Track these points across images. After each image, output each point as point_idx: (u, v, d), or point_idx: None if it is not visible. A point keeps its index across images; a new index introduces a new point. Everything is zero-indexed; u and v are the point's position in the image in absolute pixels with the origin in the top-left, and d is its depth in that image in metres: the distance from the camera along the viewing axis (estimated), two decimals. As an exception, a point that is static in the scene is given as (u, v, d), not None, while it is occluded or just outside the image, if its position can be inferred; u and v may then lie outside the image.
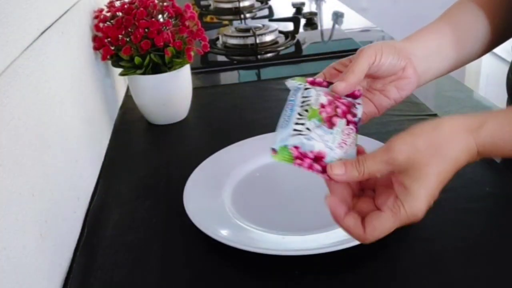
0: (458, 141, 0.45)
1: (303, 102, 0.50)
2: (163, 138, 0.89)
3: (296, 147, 0.46)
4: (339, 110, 0.49)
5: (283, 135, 0.47)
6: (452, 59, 0.62)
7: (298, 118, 0.48)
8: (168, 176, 0.76)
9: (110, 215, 0.67)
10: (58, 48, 0.67)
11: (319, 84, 0.53)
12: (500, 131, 0.46)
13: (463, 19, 0.64)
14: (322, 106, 0.49)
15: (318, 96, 0.50)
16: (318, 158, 0.46)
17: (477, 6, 0.65)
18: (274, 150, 0.47)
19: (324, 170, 0.46)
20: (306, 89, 0.51)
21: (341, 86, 0.51)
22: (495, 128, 0.46)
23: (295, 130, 0.47)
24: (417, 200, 0.44)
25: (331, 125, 0.48)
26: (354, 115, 0.50)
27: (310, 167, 0.46)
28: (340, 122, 0.48)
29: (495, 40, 0.67)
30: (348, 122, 0.49)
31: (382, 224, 0.45)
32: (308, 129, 0.47)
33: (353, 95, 0.52)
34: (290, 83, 0.53)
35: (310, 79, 0.53)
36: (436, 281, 0.52)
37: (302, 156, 0.46)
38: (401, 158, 0.44)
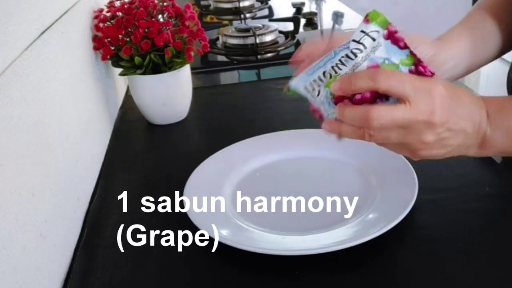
0: (470, 96, 0.49)
1: (342, 58, 0.47)
2: (163, 138, 0.89)
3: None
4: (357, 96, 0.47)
5: (300, 81, 0.49)
6: (465, 67, 0.64)
7: (319, 78, 0.48)
8: (168, 176, 0.76)
9: (110, 215, 0.67)
10: (58, 48, 0.67)
11: (396, 42, 0.46)
12: (501, 100, 0.50)
13: (479, 29, 0.66)
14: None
15: (362, 63, 0.46)
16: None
17: (489, 15, 0.67)
18: (288, 87, 0.49)
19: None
20: (365, 48, 0.46)
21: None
22: (495, 98, 0.50)
23: (310, 85, 0.48)
24: (425, 94, 0.45)
25: (335, 102, 0.48)
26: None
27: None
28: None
29: (505, 47, 0.69)
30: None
31: (386, 109, 0.44)
32: (318, 95, 0.48)
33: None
34: (364, 26, 0.46)
35: (393, 29, 0.46)
36: (436, 281, 0.52)
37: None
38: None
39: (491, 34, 0.67)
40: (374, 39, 0.46)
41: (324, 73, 0.47)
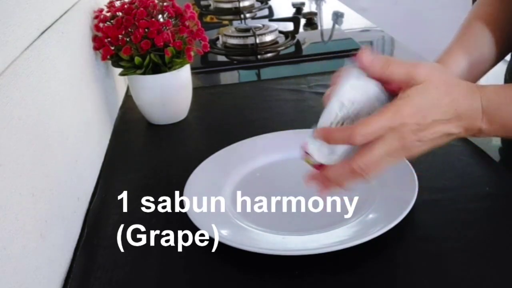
0: (465, 87, 0.51)
1: (342, 108, 0.51)
2: (163, 138, 0.89)
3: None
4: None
5: (314, 145, 0.53)
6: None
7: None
8: (168, 176, 0.76)
9: (110, 215, 0.67)
10: (58, 48, 0.67)
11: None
12: (499, 94, 0.51)
13: (474, 44, 0.68)
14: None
15: (353, 108, 0.51)
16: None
17: (485, 25, 0.68)
18: (307, 153, 0.53)
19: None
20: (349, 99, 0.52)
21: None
22: (494, 90, 0.52)
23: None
24: (408, 101, 0.48)
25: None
26: None
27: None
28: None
29: (501, 56, 0.69)
30: None
31: (371, 121, 0.48)
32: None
33: None
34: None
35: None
36: (436, 281, 0.52)
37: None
38: (420, 74, 0.49)
39: (488, 48, 0.68)
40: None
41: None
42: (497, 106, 0.51)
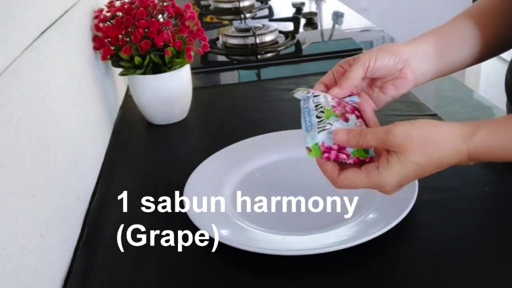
0: (449, 145, 0.50)
1: (316, 106, 0.56)
2: (163, 138, 0.89)
3: (323, 143, 0.53)
4: (347, 108, 0.56)
5: (312, 135, 0.54)
6: (437, 66, 0.66)
7: (318, 119, 0.55)
8: (168, 176, 0.76)
9: (110, 215, 0.67)
10: (58, 48, 0.67)
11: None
12: (492, 139, 0.50)
13: (450, 33, 0.68)
14: (333, 106, 0.55)
15: (326, 99, 0.56)
16: (341, 148, 0.53)
17: (471, 20, 0.68)
18: (308, 148, 0.53)
19: (348, 157, 0.53)
20: (315, 96, 0.57)
21: (335, 91, 0.58)
22: (487, 135, 0.50)
23: (318, 127, 0.54)
24: (391, 173, 0.50)
25: (345, 119, 0.55)
26: (359, 112, 0.57)
27: (337, 157, 0.53)
28: (352, 117, 0.55)
29: (491, 51, 0.70)
30: (357, 117, 0.56)
31: (354, 177, 0.52)
32: (330, 124, 0.53)
33: (350, 95, 0.59)
34: (299, 94, 0.58)
35: (312, 90, 0.59)
36: (436, 281, 0.52)
37: (328, 150, 0.53)
38: (396, 142, 0.49)
39: (468, 37, 0.68)
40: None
41: (317, 116, 0.55)
42: (486, 150, 0.50)
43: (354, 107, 0.57)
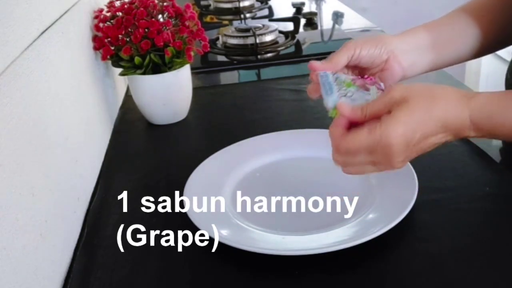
0: (451, 100, 0.50)
1: (335, 79, 0.58)
2: (163, 138, 0.89)
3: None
4: (368, 81, 0.58)
5: (333, 98, 0.55)
6: (431, 59, 0.67)
7: (339, 88, 0.56)
8: (168, 176, 0.76)
9: (110, 215, 0.67)
10: (58, 48, 0.67)
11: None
12: (493, 103, 0.51)
13: (444, 26, 0.69)
14: (353, 80, 0.58)
15: (346, 76, 0.59)
16: None
17: (467, 15, 0.69)
18: (329, 108, 0.55)
19: None
20: (333, 74, 0.59)
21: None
22: (489, 99, 0.51)
23: (339, 92, 0.55)
24: (394, 123, 0.48)
25: (366, 89, 0.56)
26: (379, 85, 0.58)
27: None
28: (372, 88, 0.56)
29: (489, 45, 0.70)
30: (378, 89, 0.57)
31: (357, 136, 0.50)
32: (351, 91, 0.55)
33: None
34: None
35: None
36: (436, 281, 0.52)
37: None
38: (398, 95, 0.49)
39: (466, 30, 0.69)
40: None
41: (337, 85, 0.57)
42: (486, 115, 0.51)
43: (373, 81, 0.59)
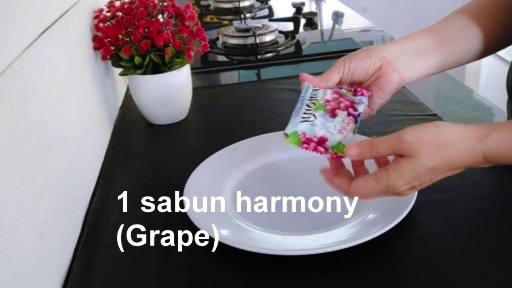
0: (462, 146, 0.49)
1: (311, 97, 0.58)
2: (163, 138, 0.89)
3: (303, 133, 0.55)
4: (342, 105, 0.57)
5: (294, 122, 0.56)
6: (434, 61, 0.66)
7: (307, 109, 0.57)
8: (168, 176, 0.76)
9: (110, 215, 0.67)
10: (58, 48, 0.67)
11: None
12: (508, 140, 0.49)
13: (444, 28, 0.68)
14: (327, 101, 0.58)
15: (325, 94, 0.59)
16: (321, 141, 0.54)
17: (467, 16, 0.68)
18: (286, 134, 0.56)
19: (327, 151, 0.54)
20: (315, 89, 0.59)
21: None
22: (503, 136, 0.49)
23: (303, 117, 0.56)
24: (401, 174, 0.49)
25: (333, 115, 0.56)
26: (356, 110, 0.58)
27: (315, 149, 0.54)
28: (342, 114, 0.56)
29: (493, 45, 0.70)
30: (349, 114, 0.57)
31: (365, 184, 0.52)
32: (314, 116, 0.56)
33: (361, 94, 0.60)
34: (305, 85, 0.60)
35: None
36: (436, 281, 0.52)
37: (308, 141, 0.55)
38: (407, 148, 0.49)
39: (469, 31, 0.68)
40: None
41: (307, 105, 0.58)
42: (502, 154, 0.49)
43: (351, 104, 0.58)
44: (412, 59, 0.64)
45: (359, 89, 0.61)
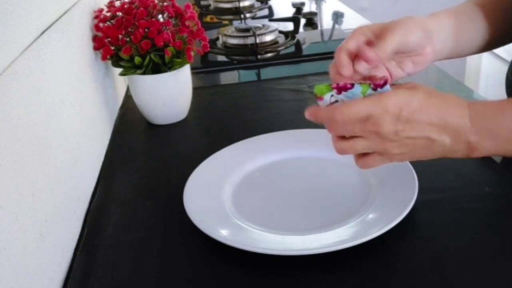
0: (452, 98, 0.51)
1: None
2: (163, 138, 0.89)
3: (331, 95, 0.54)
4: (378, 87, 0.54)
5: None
6: (451, 46, 0.65)
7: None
8: (168, 176, 0.76)
9: (110, 215, 0.67)
10: (58, 48, 0.67)
11: (344, 88, 0.55)
12: (493, 105, 0.52)
13: (462, 15, 0.67)
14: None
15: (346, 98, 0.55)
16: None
17: (479, 8, 0.68)
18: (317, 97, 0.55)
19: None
20: (333, 96, 0.55)
21: (371, 54, 0.55)
22: (488, 103, 0.52)
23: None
24: (394, 93, 0.50)
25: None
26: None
27: (344, 86, 0.53)
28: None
29: (492, 43, 0.69)
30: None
31: (352, 104, 0.51)
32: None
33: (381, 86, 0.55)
34: (320, 92, 0.56)
35: (334, 85, 0.55)
36: (436, 281, 0.52)
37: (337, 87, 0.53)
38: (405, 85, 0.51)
39: (477, 23, 0.68)
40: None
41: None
42: (486, 116, 0.50)
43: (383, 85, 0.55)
44: (443, 43, 0.62)
45: (375, 81, 0.55)
